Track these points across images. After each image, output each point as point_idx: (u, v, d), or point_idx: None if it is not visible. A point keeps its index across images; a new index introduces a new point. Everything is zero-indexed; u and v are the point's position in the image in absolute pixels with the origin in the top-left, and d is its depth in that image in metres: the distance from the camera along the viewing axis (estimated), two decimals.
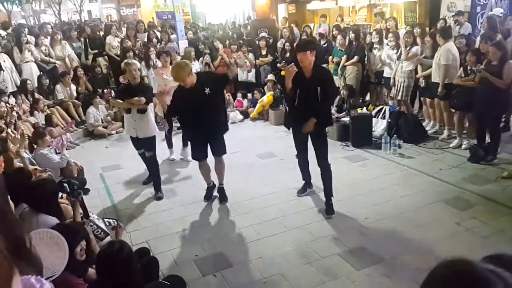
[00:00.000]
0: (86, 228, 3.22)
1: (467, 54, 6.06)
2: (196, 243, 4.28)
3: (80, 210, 3.51)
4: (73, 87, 8.77)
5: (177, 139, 6.82)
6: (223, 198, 5.16)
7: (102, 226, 3.59)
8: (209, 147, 4.97)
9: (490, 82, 5.40)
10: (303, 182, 5.21)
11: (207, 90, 4.59)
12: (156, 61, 8.11)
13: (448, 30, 6.62)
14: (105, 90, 9.18)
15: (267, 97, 8.82)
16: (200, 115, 4.64)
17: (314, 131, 4.57)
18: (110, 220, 3.67)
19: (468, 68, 6.00)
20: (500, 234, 4.07)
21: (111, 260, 2.54)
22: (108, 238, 3.44)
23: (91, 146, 7.93)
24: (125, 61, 5.46)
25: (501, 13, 7.69)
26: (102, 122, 8.52)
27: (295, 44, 7.05)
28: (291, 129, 4.87)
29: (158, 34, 10.31)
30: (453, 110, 6.45)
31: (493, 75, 5.39)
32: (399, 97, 7.30)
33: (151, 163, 5.45)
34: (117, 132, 8.47)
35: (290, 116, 4.78)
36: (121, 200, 5.42)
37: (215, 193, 5.26)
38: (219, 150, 4.96)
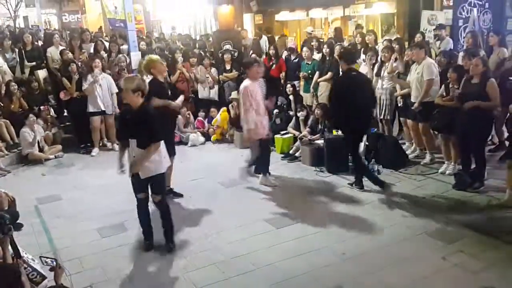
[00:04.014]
0: (19, 271, 3.09)
1: (448, 71, 6.24)
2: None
3: (11, 249, 3.38)
4: None
5: None
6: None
7: (38, 267, 3.46)
8: None
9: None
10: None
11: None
12: (98, 76, 8.07)
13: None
14: (41, 107, 8.97)
15: (221, 115, 8.87)
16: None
17: None
18: (48, 260, 3.53)
19: (450, 86, 6.22)
20: (491, 269, 4.15)
21: None
22: (45, 282, 3.31)
23: (24, 174, 7.70)
24: (124, 79, 4.82)
25: (450, 48, 8.19)
26: (39, 145, 8.27)
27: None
28: None
29: (107, 44, 10.25)
30: (435, 133, 6.66)
31: (474, 95, 5.57)
32: (382, 116, 7.49)
33: (161, 208, 4.81)
34: (56, 157, 8.26)
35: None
36: (61, 237, 5.24)
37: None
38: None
